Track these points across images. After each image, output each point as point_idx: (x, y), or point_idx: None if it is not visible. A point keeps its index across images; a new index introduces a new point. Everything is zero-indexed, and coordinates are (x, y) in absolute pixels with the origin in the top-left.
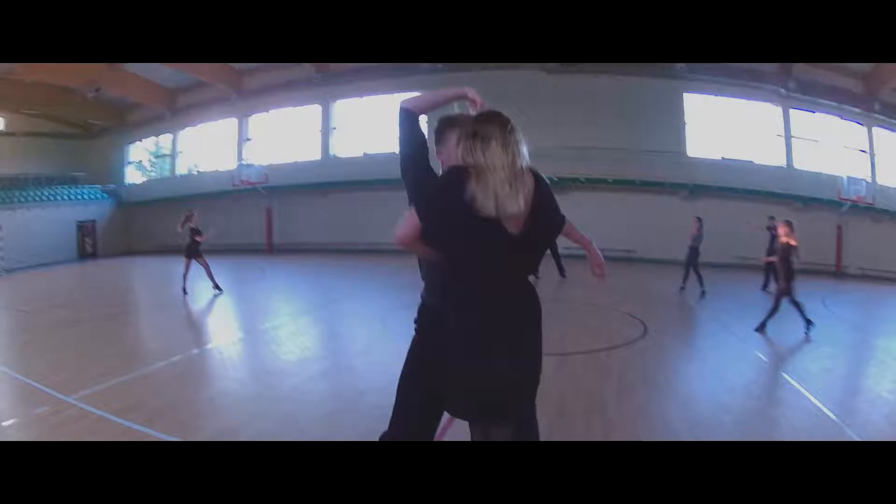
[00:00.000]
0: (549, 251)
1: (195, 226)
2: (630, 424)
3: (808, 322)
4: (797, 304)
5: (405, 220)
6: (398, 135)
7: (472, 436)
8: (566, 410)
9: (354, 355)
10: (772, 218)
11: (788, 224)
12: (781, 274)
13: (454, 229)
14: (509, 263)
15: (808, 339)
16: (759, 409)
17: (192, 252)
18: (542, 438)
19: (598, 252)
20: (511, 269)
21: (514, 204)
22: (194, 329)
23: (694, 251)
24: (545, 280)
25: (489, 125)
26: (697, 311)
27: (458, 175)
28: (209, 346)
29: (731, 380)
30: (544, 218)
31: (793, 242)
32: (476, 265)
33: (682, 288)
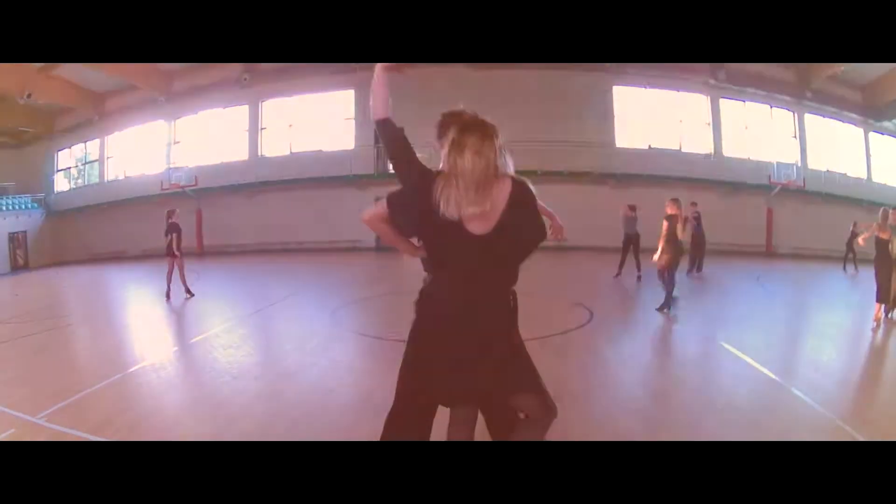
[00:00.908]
0: None
1: (176, 221)
2: (594, 397)
3: (670, 302)
4: (670, 282)
5: (375, 207)
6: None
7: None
8: None
9: (312, 353)
10: (694, 204)
11: (675, 201)
12: (666, 250)
13: (425, 226)
14: (477, 263)
15: (667, 316)
16: (705, 376)
17: (170, 251)
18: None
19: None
20: (480, 268)
21: (476, 207)
22: (161, 333)
23: (629, 237)
24: None
25: (469, 135)
26: (636, 294)
27: (430, 180)
28: (174, 350)
29: (676, 353)
30: (514, 223)
31: (675, 216)
32: (443, 260)
33: (618, 275)
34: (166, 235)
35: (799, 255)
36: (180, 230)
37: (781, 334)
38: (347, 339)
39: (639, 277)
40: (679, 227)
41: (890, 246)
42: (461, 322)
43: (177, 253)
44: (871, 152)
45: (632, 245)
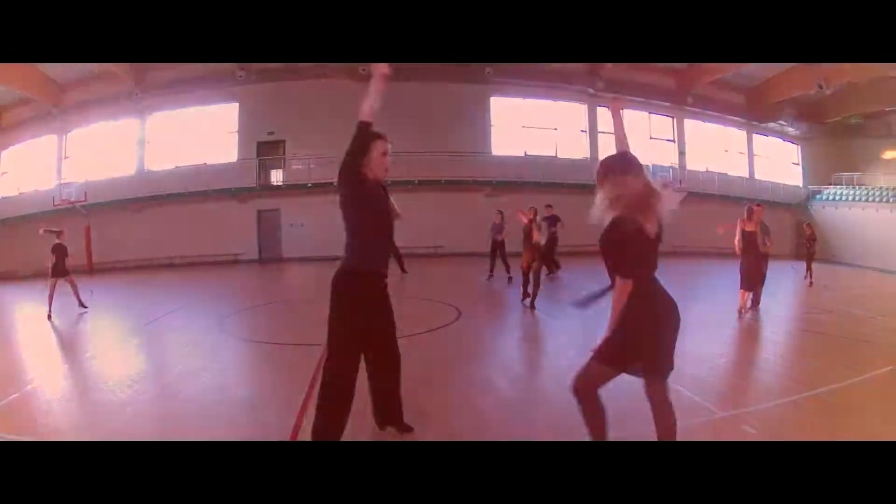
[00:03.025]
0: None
1: (62, 243)
2: (460, 389)
3: (534, 301)
4: (534, 281)
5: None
6: (353, 144)
7: None
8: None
9: (203, 357)
10: (549, 206)
11: (532, 209)
12: (525, 252)
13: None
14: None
15: (524, 309)
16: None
17: (59, 272)
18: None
19: None
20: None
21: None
22: (55, 350)
23: (496, 242)
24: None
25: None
26: (504, 294)
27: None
28: (80, 359)
29: (543, 346)
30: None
31: (528, 222)
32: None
33: (490, 276)
34: (55, 254)
35: (677, 253)
36: (66, 250)
37: None
38: (235, 346)
39: (509, 279)
40: (534, 230)
41: (759, 239)
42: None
43: (68, 273)
44: (753, 152)
45: (498, 249)
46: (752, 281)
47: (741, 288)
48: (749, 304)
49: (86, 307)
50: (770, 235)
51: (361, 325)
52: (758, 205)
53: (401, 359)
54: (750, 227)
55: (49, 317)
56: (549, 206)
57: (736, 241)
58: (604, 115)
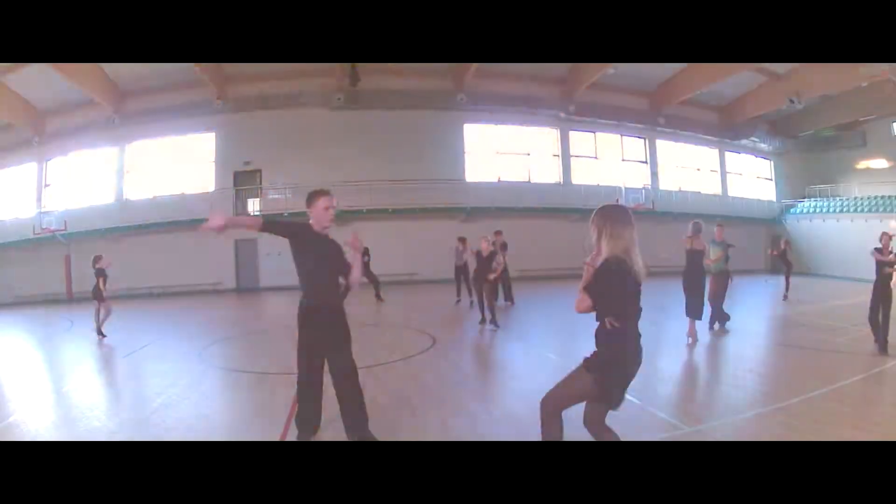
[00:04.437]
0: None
1: (103, 267)
2: (435, 414)
3: (489, 321)
4: (488, 305)
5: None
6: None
7: None
8: (378, 408)
9: (186, 388)
10: (498, 233)
11: (484, 237)
12: (479, 276)
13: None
14: None
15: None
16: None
17: (98, 294)
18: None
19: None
20: None
21: None
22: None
23: (460, 269)
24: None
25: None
26: (474, 318)
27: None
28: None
29: (514, 370)
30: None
31: (483, 252)
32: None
33: (458, 301)
34: (98, 278)
35: (651, 273)
36: (105, 275)
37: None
38: (215, 375)
39: (471, 302)
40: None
41: (717, 258)
42: None
43: (103, 297)
44: (726, 170)
45: (462, 275)
46: (695, 308)
47: (687, 315)
48: (691, 331)
49: (104, 335)
50: (727, 251)
51: (312, 345)
52: (718, 224)
53: (356, 370)
54: (691, 244)
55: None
56: (497, 232)
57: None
58: (576, 138)
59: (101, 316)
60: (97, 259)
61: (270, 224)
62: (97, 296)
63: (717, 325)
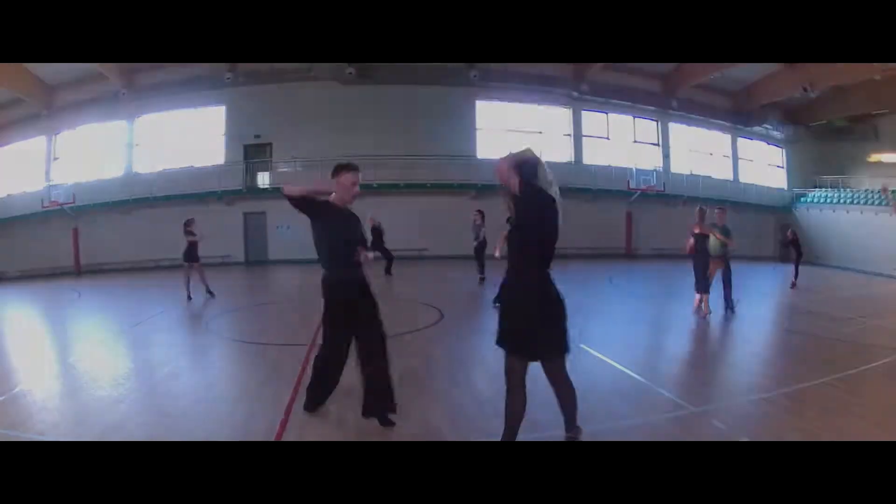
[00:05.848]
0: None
1: (193, 231)
2: (444, 390)
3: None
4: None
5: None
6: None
7: None
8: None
9: (192, 356)
10: (479, 211)
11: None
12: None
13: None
14: None
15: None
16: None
17: (191, 257)
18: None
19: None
20: None
21: None
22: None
23: (481, 245)
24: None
25: None
26: (481, 295)
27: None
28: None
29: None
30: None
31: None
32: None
33: (482, 278)
34: (189, 241)
35: (661, 256)
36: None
37: (621, 326)
38: (222, 345)
39: (481, 279)
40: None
41: (717, 242)
42: None
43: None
44: (738, 155)
45: (482, 250)
46: (703, 283)
47: (696, 291)
48: (704, 306)
49: (212, 294)
50: (731, 238)
51: (344, 319)
52: (720, 208)
53: (386, 346)
54: (698, 230)
55: (189, 298)
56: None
57: (689, 244)
58: (588, 118)
59: (200, 276)
60: (189, 222)
61: (301, 201)
62: (192, 258)
63: (733, 307)
